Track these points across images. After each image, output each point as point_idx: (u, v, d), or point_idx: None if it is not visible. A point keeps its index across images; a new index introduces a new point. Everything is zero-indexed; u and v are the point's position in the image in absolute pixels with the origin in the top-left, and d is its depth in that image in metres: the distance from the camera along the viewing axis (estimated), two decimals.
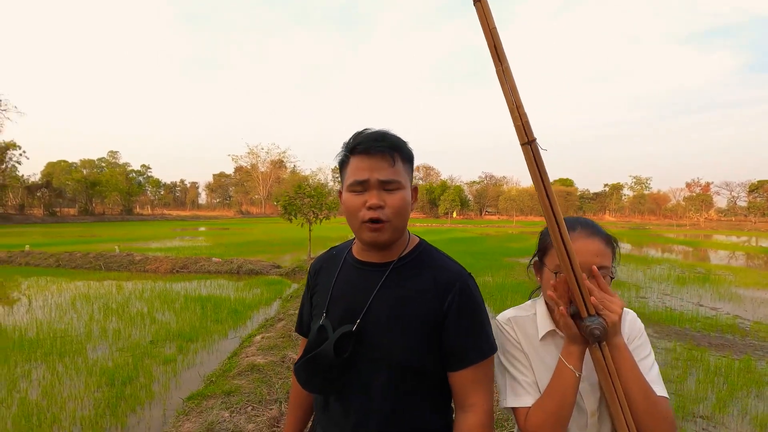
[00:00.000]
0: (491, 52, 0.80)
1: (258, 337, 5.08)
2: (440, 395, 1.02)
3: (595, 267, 0.93)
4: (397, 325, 0.96)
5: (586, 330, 0.90)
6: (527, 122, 0.82)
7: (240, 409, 3.08)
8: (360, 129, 1.02)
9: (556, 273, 0.99)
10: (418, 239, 1.09)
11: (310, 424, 1.18)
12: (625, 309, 1.03)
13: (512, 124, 0.83)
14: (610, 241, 1.04)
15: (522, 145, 0.83)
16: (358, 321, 0.97)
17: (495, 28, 0.79)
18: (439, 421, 1.02)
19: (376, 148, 0.96)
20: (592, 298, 0.90)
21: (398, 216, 0.97)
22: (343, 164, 1.02)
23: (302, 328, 1.19)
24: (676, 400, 3.79)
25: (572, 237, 0.99)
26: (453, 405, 1.04)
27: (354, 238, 1.12)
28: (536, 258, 1.12)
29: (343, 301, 1.02)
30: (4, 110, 38.59)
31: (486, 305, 5.27)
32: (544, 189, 0.85)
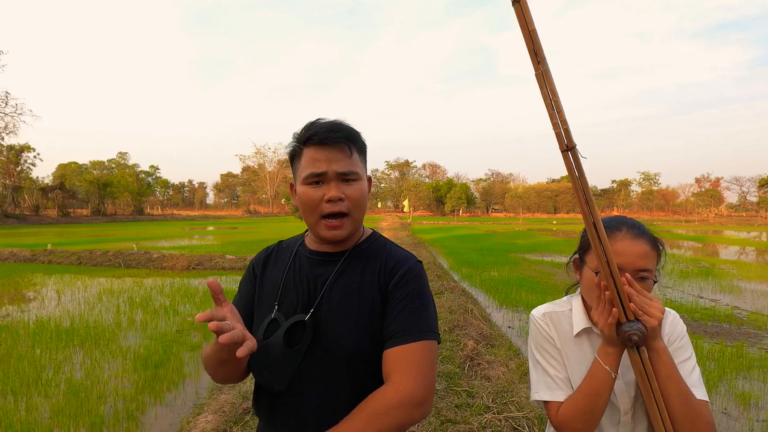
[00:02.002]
0: (530, 54, 0.78)
1: None
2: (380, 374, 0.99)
3: (627, 275, 0.91)
4: (350, 312, 0.94)
5: (624, 335, 0.89)
6: (567, 129, 0.80)
7: None
8: (313, 119, 0.99)
9: (596, 273, 0.97)
10: (371, 231, 1.09)
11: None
12: (666, 309, 1.02)
13: (552, 129, 0.81)
14: (656, 244, 1.01)
15: (562, 151, 0.81)
16: (311, 311, 0.94)
17: (534, 30, 0.77)
18: None
19: (332, 139, 0.93)
20: (632, 304, 0.89)
21: (357, 208, 0.96)
22: (294, 156, 0.99)
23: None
24: None
25: (617, 237, 0.99)
26: None
27: (306, 231, 1.09)
28: (576, 255, 1.11)
29: (294, 293, 0.99)
30: (20, 114, 39.41)
31: (491, 299, 5.66)
32: (584, 195, 0.83)
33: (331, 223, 0.93)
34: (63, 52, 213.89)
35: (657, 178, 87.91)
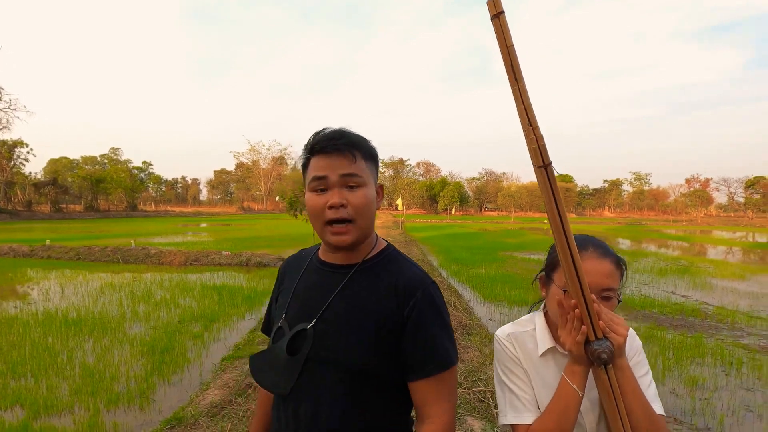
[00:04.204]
0: (507, 70, 0.78)
1: None
2: (399, 401, 0.99)
3: (594, 297, 0.90)
4: (352, 328, 0.94)
5: (593, 354, 0.88)
6: (543, 145, 0.80)
7: None
8: (319, 129, 1.00)
9: (564, 291, 0.97)
10: (385, 243, 1.07)
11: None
12: None
13: (527, 146, 0.81)
14: (620, 264, 1.03)
15: (536, 167, 0.81)
16: (314, 321, 0.96)
17: (513, 45, 0.77)
18: (397, 427, 0.98)
19: (333, 147, 0.94)
20: (601, 321, 0.89)
21: (361, 215, 0.95)
22: (305, 166, 1.00)
23: (267, 327, 1.15)
24: None
25: (583, 257, 0.98)
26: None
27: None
28: (543, 272, 1.11)
29: (301, 302, 1.01)
30: (14, 109, 39.28)
31: (475, 294, 6.26)
32: (558, 214, 0.83)
33: (336, 228, 0.93)
34: (54, 44, 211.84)
35: (648, 178, 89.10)
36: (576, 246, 0.87)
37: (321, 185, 0.94)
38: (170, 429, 2.94)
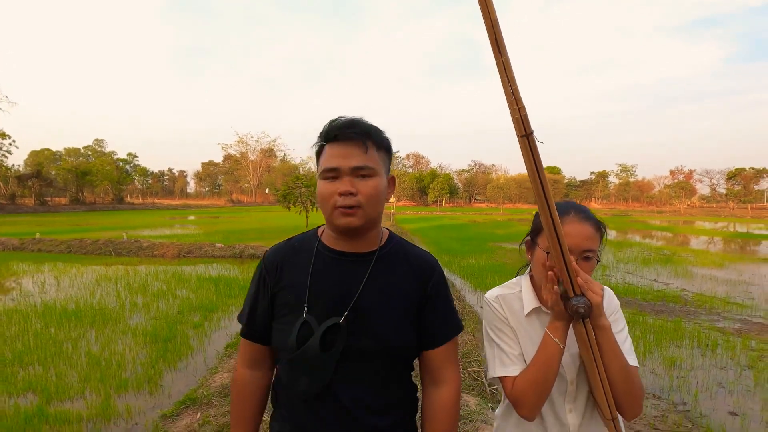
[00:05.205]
0: (492, 43, 0.81)
1: None
2: (410, 367, 1.11)
3: (573, 257, 0.98)
4: (388, 313, 0.99)
5: (572, 308, 0.97)
6: (525, 115, 0.83)
7: None
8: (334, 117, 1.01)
9: (547, 253, 1.04)
10: (388, 231, 1.12)
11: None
12: (603, 287, 1.13)
13: (510, 116, 0.84)
14: (600, 227, 1.11)
15: (519, 137, 0.85)
16: (345, 313, 0.96)
17: (497, 20, 0.80)
18: (410, 389, 1.11)
19: (347, 135, 0.95)
20: (579, 279, 0.97)
21: (371, 203, 0.96)
22: (318, 153, 1.01)
23: (254, 331, 1.07)
24: None
25: (565, 220, 1.06)
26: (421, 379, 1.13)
27: (316, 228, 1.12)
28: (529, 237, 1.19)
29: (326, 294, 0.99)
30: None
31: (467, 283, 6.57)
32: (539, 180, 0.88)
33: (345, 210, 0.95)
34: (32, 32, 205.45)
35: (633, 170, 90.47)
36: (557, 210, 0.94)
37: (333, 175, 0.95)
38: (186, 408, 3.10)
